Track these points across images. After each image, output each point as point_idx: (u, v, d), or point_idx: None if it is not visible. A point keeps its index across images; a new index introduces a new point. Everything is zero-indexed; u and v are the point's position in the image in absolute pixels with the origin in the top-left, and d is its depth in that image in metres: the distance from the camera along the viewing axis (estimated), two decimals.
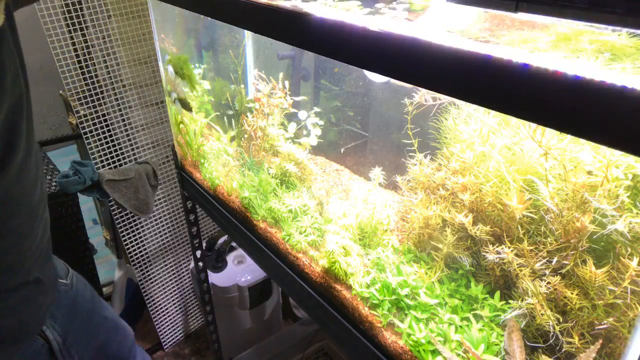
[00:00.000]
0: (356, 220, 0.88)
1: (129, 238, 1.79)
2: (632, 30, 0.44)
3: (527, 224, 0.65)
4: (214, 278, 1.80)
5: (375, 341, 0.79)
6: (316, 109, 1.07)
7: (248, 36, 1.26)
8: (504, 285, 0.70)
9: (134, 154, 1.71)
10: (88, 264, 1.68)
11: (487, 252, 0.67)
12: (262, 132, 1.11)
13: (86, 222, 1.64)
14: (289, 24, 0.68)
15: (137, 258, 1.84)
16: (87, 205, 2.15)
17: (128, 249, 1.80)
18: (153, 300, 1.99)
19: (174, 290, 2.06)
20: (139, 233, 1.81)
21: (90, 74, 1.52)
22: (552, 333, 0.60)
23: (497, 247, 0.66)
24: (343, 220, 0.89)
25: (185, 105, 1.32)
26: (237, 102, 1.25)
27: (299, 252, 0.96)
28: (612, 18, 0.39)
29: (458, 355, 0.68)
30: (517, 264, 0.64)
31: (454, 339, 0.69)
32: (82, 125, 1.53)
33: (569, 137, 0.58)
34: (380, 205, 0.87)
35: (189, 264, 2.05)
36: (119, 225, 1.74)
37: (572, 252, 0.59)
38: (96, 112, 1.56)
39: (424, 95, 0.75)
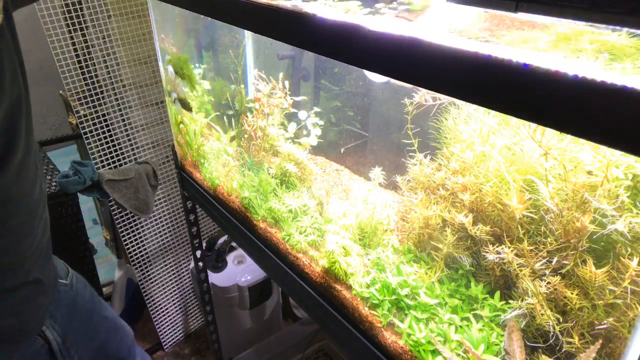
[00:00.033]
0: (356, 220, 0.88)
1: (129, 238, 1.79)
2: (632, 30, 0.44)
3: (527, 224, 0.65)
4: (214, 278, 1.80)
5: (375, 341, 0.79)
6: (316, 109, 1.07)
7: (248, 36, 1.26)
8: (504, 285, 0.70)
9: (134, 154, 1.71)
10: (88, 264, 1.68)
11: (487, 252, 0.67)
12: (262, 132, 1.11)
13: (86, 222, 1.64)
14: (289, 24, 0.68)
15: (137, 258, 1.84)
16: (87, 205, 2.15)
17: (128, 249, 1.80)
18: (153, 300, 1.99)
19: (174, 290, 2.06)
20: (139, 233, 1.81)
21: (90, 74, 1.52)
22: (552, 333, 0.60)
23: (497, 247, 0.66)
24: (343, 220, 0.89)
25: (185, 105, 1.32)
26: (237, 102, 1.24)
27: (299, 252, 0.96)
28: (612, 18, 0.39)
29: (458, 355, 0.68)
30: (517, 264, 0.64)
31: (454, 339, 0.69)
32: (82, 125, 1.53)
33: (569, 137, 0.58)
34: (380, 205, 0.87)
35: (189, 264, 2.05)
36: (119, 225, 1.74)
37: (572, 252, 0.59)
38: (96, 112, 1.56)
39: (424, 95, 0.75)
